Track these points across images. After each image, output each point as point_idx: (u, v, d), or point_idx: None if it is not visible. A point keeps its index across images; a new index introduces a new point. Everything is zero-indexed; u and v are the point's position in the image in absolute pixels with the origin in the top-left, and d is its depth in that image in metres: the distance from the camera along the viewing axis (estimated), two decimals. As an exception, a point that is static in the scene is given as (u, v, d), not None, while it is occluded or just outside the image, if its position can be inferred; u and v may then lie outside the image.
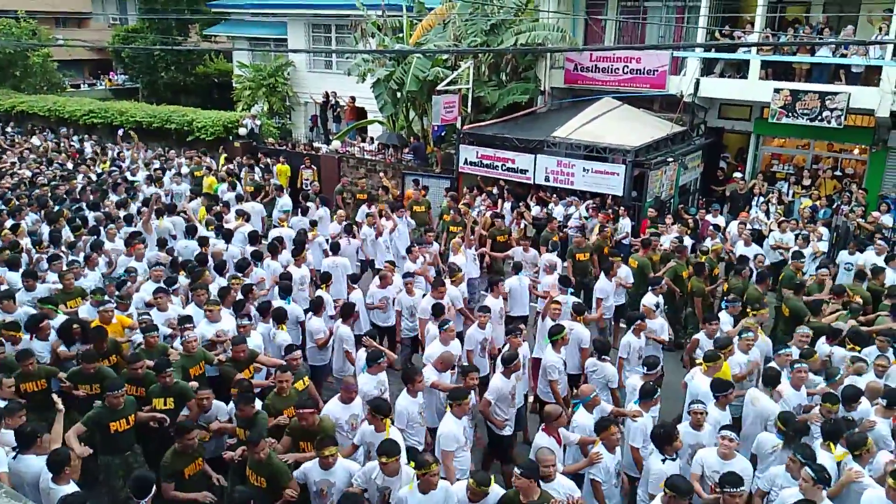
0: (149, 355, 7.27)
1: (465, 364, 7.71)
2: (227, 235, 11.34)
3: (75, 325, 7.79)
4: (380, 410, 6.04)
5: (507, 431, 7.15)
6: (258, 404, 6.52)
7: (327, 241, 11.48)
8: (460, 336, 8.73)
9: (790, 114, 14.65)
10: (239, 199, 14.69)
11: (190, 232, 11.60)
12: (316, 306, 8.71)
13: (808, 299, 9.37)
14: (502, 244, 12.37)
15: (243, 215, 12.49)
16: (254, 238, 11.53)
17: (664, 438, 5.94)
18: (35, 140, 22.03)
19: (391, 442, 5.59)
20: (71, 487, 5.30)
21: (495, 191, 14.88)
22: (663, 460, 5.91)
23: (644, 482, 6.19)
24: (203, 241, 10.83)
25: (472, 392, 6.79)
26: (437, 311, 8.33)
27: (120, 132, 21.74)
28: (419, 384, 6.68)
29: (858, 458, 5.85)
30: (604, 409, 6.83)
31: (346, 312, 8.45)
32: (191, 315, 8.02)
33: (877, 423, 6.46)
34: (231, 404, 6.76)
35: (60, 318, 8.03)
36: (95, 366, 7.05)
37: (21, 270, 9.43)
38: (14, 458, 5.67)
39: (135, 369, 7.04)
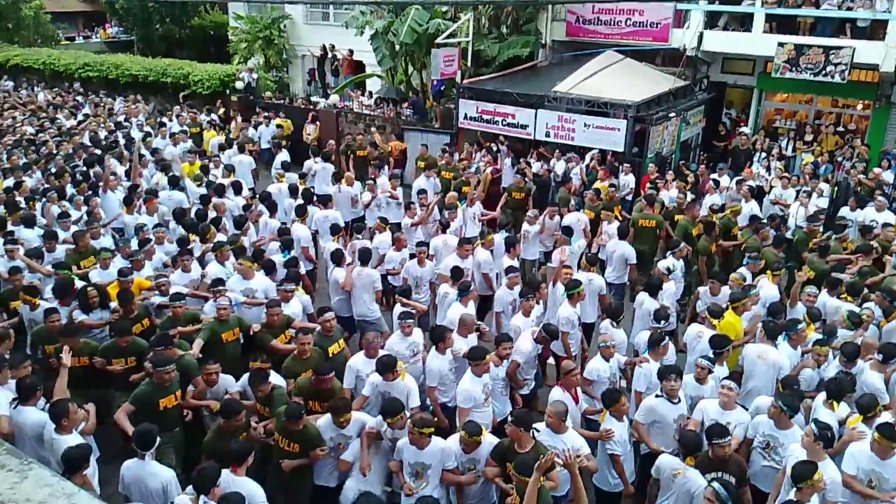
0: (175, 325, 7.09)
1: (486, 327, 7.82)
2: (219, 190, 11.20)
3: (90, 290, 7.56)
4: (386, 367, 6.13)
5: (526, 391, 7.27)
6: (274, 378, 6.38)
7: (318, 196, 11.34)
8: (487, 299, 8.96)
9: (794, 68, 14.48)
10: (221, 148, 14.53)
11: (172, 183, 11.51)
12: (337, 258, 8.74)
13: (833, 258, 9.27)
14: (518, 202, 12.25)
15: (231, 170, 12.43)
16: (237, 189, 11.42)
17: (660, 374, 6.19)
18: (42, 96, 21.74)
19: (391, 402, 5.64)
20: (74, 438, 5.36)
21: (495, 147, 14.79)
22: (657, 396, 6.14)
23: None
24: (205, 199, 10.74)
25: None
26: (456, 274, 8.30)
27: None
28: (449, 341, 6.71)
29: (868, 420, 5.83)
30: (619, 361, 7.02)
31: (365, 258, 8.62)
32: (222, 278, 7.80)
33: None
34: (242, 379, 6.60)
35: (77, 284, 7.82)
36: (128, 339, 6.84)
37: (39, 232, 9.27)
38: (14, 407, 5.73)
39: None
